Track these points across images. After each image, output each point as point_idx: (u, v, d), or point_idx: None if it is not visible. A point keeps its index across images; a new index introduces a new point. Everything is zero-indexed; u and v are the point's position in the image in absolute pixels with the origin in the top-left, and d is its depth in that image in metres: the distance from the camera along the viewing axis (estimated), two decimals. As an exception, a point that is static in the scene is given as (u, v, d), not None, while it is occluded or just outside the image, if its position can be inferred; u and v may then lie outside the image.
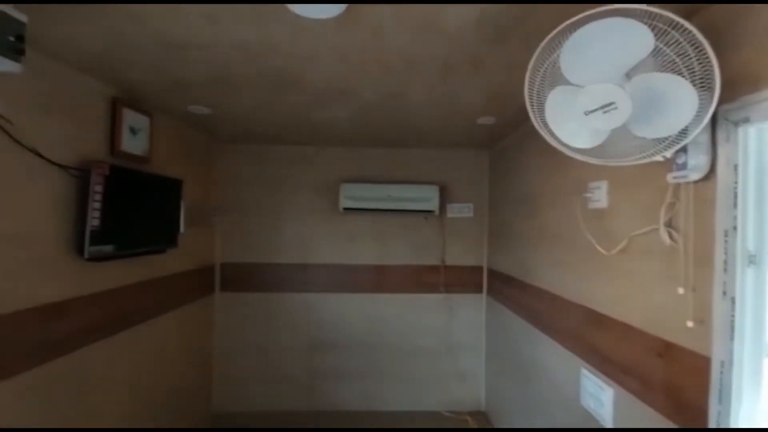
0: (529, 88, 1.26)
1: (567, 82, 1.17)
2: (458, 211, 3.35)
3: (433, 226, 3.36)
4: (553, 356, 2.10)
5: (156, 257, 2.46)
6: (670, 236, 1.31)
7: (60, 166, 1.71)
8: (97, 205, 1.83)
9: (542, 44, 1.16)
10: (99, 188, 1.84)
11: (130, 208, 2.08)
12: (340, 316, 3.37)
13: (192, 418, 3.01)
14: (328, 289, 3.37)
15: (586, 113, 1.14)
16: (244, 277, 3.37)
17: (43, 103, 1.66)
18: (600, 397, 1.67)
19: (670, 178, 1.28)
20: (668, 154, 1.14)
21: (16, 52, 1.07)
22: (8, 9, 1.03)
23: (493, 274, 3.17)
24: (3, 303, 1.53)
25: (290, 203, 3.38)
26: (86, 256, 1.79)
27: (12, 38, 1.06)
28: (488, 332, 3.31)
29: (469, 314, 3.38)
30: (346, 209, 3.20)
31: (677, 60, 1.04)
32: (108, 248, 1.92)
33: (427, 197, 3.18)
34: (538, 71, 1.24)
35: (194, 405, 3.06)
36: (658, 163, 1.20)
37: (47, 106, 1.68)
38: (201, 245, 3.11)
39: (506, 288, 2.83)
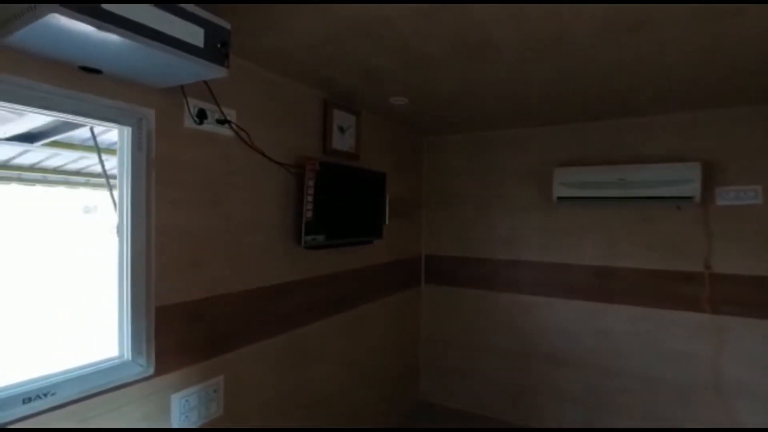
0: None
1: None
2: (735, 197, 2.34)
3: (689, 219, 2.46)
4: None
5: (364, 247, 2.59)
6: None
7: (279, 164, 1.94)
8: (310, 198, 2.01)
9: None
10: (311, 183, 2.01)
11: (338, 200, 2.23)
12: (556, 324, 2.87)
13: (399, 402, 3.11)
14: (542, 292, 2.92)
15: None
16: (450, 271, 3.28)
17: (267, 110, 1.91)
18: None
19: None
20: None
21: (223, 56, 1.17)
22: (214, 18, 1.13)
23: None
24: (248, 280, 1.82)
25: (499, 193, 3.09)
26: (302, 245, 1.99)
27: (219, 45, 1.16)
28: (793, 378, 2.20)
29: (755, 347, 2.33)
30: (560, 198, 2.69)
31: None
32: (320, 238, 2.09)
33: (681, 179, 2.34)
34: None
35: (401, 390, 3.15)
36: None
37: (271, 112, 1.92)
38: (407, 237, 3.17)
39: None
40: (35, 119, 1.74)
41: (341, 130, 2.35)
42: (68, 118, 1.28)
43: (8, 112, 1.57)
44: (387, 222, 2.78)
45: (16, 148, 2.79)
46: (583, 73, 1.86)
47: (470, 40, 1.54)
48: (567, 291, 2.84)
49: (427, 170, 3.41)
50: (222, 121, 1.67)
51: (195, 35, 1.11)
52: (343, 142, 2.37)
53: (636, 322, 2.63)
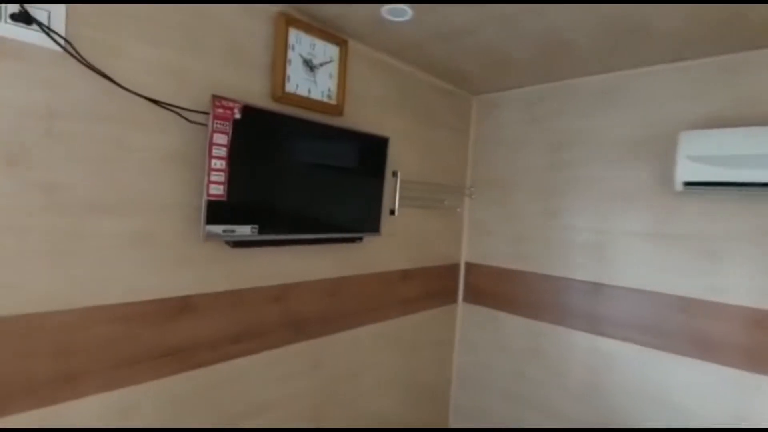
0: None
1: None
2: None
3: None
4: None
5: (347, 247, 1.76)
6: None
7: (161, 104, 1.19)
8: (219, 164, 1.23)
9: None
10: (223, 139, 1.24)
11: (287, 172, 1.42)
12: (664, 393, 1.73)
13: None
14: (643, 340, 1.79)
15: None
16: (500, 289, 2.28)
17: (148, 18, 1.16)
18: None
19: None
20: None
21: None
22: None
23: None
24: (100, 292, 1.13)
25: (576, 177, 2.01)
26: (203, 237, 1.23)
27: None
28: None
29: None
30: (688, 184, 1.54)
31: None
32: (245, 229, 1.31)
33: None
34: None
35: (417, 451, 2.27)
36: None
37: (157, 22, 1.17)
38: (435, 236, 2.24)
39: None
40: None
41: (308, 65, 1.53)
42: None
43: None
44: (396, 212, 1.91)
45: None
46: None
47: None
48: (691, 344, 1.68)
49: (475, 142, 2.42)
50: (23, 18, 0.96)
51: None
52: (311, 85, 1.54)
53: (837, 424, 1.40)
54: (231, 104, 1.23)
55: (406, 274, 2.06)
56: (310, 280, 1.63)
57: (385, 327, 1.98)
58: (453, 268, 2.39)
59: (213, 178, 1.22)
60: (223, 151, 1.23)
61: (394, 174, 1.92)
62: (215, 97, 1.20)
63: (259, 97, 1.42)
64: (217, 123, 1.21)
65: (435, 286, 2.27)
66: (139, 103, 1.15)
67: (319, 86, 1.57)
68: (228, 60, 1.34)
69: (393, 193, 1.91)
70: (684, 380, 1.68)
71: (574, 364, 1.99)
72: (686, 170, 1.52)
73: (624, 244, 1.86)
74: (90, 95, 1.07)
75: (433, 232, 2.22)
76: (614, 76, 1.89)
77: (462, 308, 2.43)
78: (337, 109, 1.62)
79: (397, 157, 1.94)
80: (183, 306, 1.28)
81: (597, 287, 1.93)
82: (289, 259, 1.55)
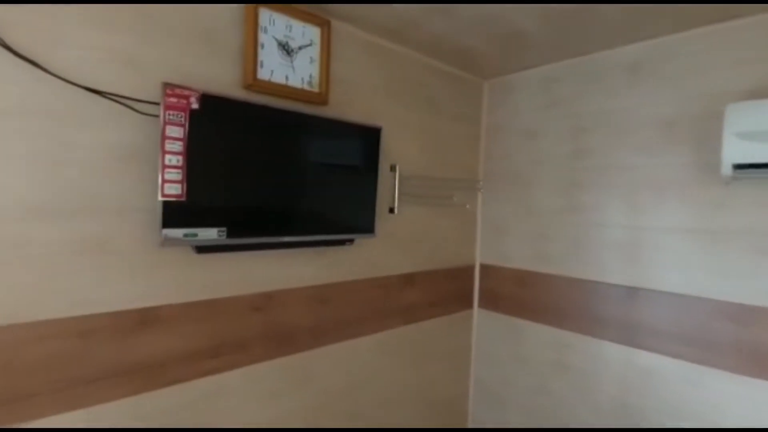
0: None
1: None
2: None
3: None
4: None
5: (336, 250, 1.59)
6: None
7: (110, 97, 1.07)
8: (175, 160, 1.10)
9: None
10: (178, 132, 1.10)
11: (259, 168, 1.28)
12: (710, 416, 1.45)
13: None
14: (684, 353, 1.51)
15: None
16: (520, 293, 2.04)
17: (101, 6, 1.05)
18: None
19: None
20: None
21: None
22: None
23: None
24: (42, 306, 1.03)
25: (603, 166, 1.75)
26: (161, 242, 1.10)
27: None
28: None
29: None
30: (739, 168, 1.27)
31: None
32: (210, 233, 1.18)
33: None
34: None
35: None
36: None
37: (113, 11, 1.06)
38: (440, 235, 2.04)
39: None
40: None
41: (285, 49, 1.38)
42: None
43: None
44: (395, 210, 1.73)
45: None
46: None
47: None
48: (744, 359, 1.39)
49: (486, 131, 2.20)
50: (-63, 3, 0.87)
51: None
52: (288, 71, 1.39)
53: None
54: (186, 93, 1.10)
55: (410, 279, 1.87)
56: (296, 288, 1.48)
57: (387, 336, 1.80)
58: (466, 271, 2.18)
59: (168, 177, 1.09)
60: (178, 146, 1.10)
61: (393, 168, 1.74)
62: (167, 85, 1.07)
63: (229, 86, 1.28)
64: (169, 114, 1.08)
65: (446, 291, 2.07)
66: (80, 95, 1.03)
67: (298, 72, 1.41)
68: (191, 45, 1.21)
69: (391, 190, 1.74)
70: (735, 401, 1.40)
71: (605, 380, 1.73)
72: (735, 150, 1.25)
73: (662, 242, 1.59)
74: (22, 87, 0.97)
75: (440, 232, 2.02)
76: (645, 45, 1.63)
77: (478, 315, 2.21)
78: (321, 98, 1.46)
79: (395, 150, 1.76)
80: (145, 318, 1.16)
81: (632, 292, 1.67)
82: (269, 264, 1.41)
